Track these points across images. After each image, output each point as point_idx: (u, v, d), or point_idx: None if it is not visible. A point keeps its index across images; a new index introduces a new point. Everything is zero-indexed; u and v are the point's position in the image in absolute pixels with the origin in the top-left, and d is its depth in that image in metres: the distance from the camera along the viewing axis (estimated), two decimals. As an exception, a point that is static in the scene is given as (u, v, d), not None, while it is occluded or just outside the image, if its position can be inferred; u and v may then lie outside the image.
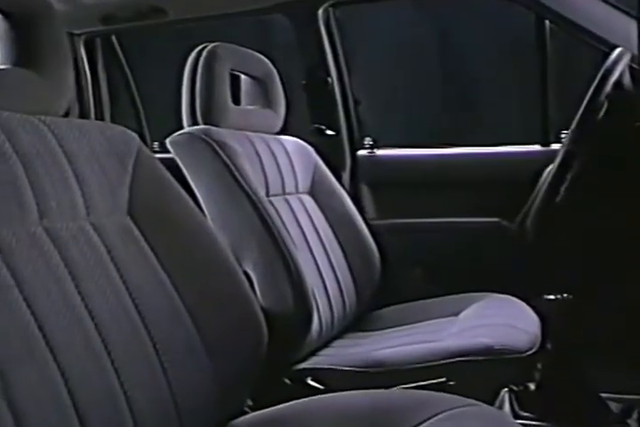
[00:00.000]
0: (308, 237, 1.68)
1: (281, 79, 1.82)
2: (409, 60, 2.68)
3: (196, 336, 0.99)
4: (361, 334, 1.72)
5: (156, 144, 2.49)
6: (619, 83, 1.29)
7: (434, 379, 1.26)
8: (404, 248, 2.03)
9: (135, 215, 1.01)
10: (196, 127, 1.56)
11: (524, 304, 1.64)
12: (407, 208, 2.08)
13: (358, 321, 1.77)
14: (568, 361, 0.88)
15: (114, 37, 2.41)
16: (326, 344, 1.62)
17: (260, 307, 1.20)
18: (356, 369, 1.35)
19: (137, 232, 1.01)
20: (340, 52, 2.15)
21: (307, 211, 1.75)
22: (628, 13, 1.69)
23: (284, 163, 1.73)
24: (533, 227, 1.39)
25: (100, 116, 2.46)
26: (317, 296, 1.59)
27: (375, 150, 2.19)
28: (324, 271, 1.68)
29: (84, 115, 2.36)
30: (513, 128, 2.50)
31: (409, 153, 2.18)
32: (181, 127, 1.59)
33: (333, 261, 1.73)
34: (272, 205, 1.59)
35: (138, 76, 2.47)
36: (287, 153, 1.77)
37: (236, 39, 1.73)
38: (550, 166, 1.80)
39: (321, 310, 1.59)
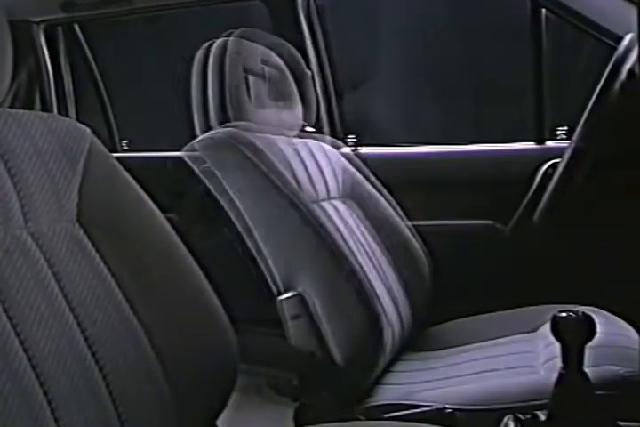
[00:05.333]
0: (353, 248, 1.48)
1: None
2: (396, 51, 2.57)
3: (155, 362, 0.89)
4: (423, 354, 1.52)
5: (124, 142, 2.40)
6: (632, 71, 1.18)
7: None
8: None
9: (85, 223, 0.90)
10: (227, 129, 1.40)
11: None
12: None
13: (416, 339, 1.58)
14: (582, 386, 0.75)
15: (76, 26, 2.32)
16: (387, 369, 1.42)
17: (324, 332, 1.14)
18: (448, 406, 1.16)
19: (87, 242, 0.89)
20: (321, 41, 2.09)
21: (343, 218, 1.58)
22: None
23: (313, 168, 1.57)
24: (537, 232, 1.27)
25: (64, 112, 2.36)
26: None
27: (359, 148, 2.12)
28: (377, 286, 1.47)
29: (45, 110, 2.24)
30: (505, 124, 2.40)
31: (395, 151, 2.11)
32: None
33: (382, 273, 1.54)
34: (323, 211, 1.42)
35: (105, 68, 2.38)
36: (314, 157, 1.61)
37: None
38: (546, 165, 1.71)
39: None
